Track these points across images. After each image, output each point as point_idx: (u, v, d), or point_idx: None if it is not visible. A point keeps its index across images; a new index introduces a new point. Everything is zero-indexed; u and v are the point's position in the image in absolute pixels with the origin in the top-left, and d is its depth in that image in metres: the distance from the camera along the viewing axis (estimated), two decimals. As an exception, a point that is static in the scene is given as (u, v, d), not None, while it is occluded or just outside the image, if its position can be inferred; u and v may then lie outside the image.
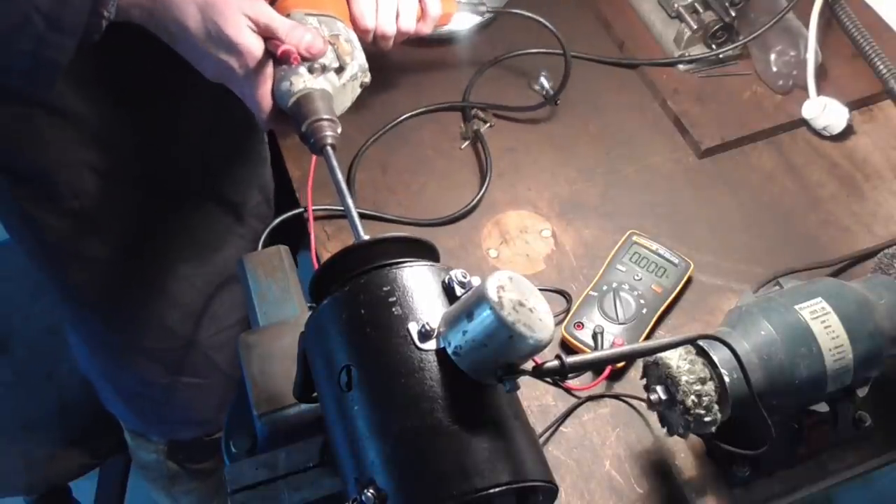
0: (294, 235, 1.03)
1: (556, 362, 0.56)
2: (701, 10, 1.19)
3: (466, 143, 1.14)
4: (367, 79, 0.86)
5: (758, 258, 1.02)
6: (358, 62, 0.83)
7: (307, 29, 0.77)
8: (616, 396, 0.91)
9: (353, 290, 0.59)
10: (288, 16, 0.82)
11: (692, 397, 0.72)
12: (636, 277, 0.96)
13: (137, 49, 0.76)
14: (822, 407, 0.79)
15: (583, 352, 0.91)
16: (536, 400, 0.91)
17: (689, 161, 1.13)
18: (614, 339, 0.92)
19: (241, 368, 0.75)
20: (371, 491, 0.52)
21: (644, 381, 0.79)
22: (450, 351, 0.55)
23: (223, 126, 0.98)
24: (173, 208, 0.99)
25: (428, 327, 0.56)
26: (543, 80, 1.18)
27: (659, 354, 0.74)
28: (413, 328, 0.56)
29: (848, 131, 1.13)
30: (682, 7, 1.19)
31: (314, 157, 1.03)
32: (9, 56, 0.68)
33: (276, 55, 0.76)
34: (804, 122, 1.14)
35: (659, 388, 0.76)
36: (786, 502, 0.85)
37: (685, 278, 0.97)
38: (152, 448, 1.27)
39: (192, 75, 0.76)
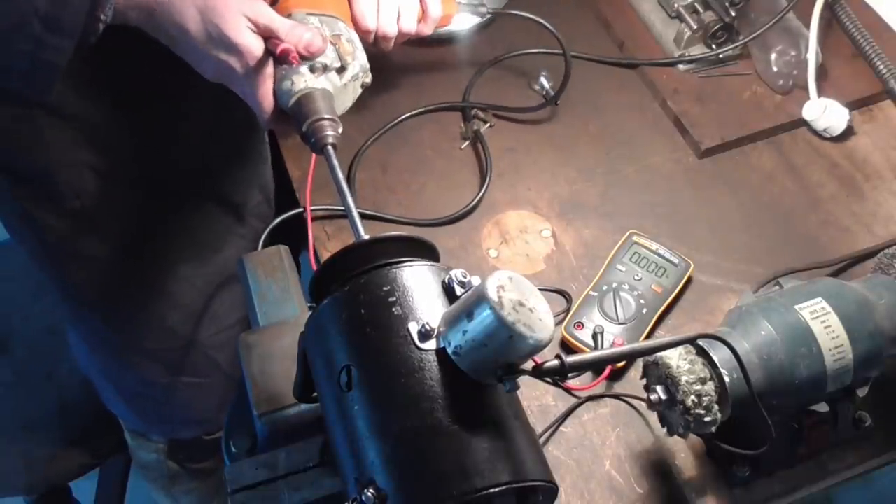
0: (294, 235, 1.03)
1: (556, 362, 0.56)
2: (701, 10, 1.19)
3: (466, 143, 1.14)
4: (369, 79, 0.86)
5: (758, 258, 1.02)
6: (359, 62, 0.84)
7: (307, 28, 0.77)
8: (616, 396, 0.91)
9: (353, 290, 0.59)
10: (289, 16, 0.82)
11: (692, 397, 0.72)
12: (636, 277, 0.96)
13: (137, 50, 0.76)
14: (822, 407, 0.79)
15: (583, 352, 0.91)
16: (536, 400, 0.91)
17: (689, 161, 1.13)
18: (614, 339, 0.92)
19: (241, 368, 0.75)
20: (371, 491, 0.52)
21: (644, 381, 0.79)
22: (450, 351, 0.55)
23: (223, 126, 0.98)
24: (174, 208, 0.99)
25: (428, 327, 0.56)
26: (543, 81, 1.18)
27: (659, 354, 0.74)
28: (413, 328, 0.56)
29: (848, 131, 1.13)
30: (682, 7, 1.19)
31: (314, 157, 1.03)
32: (9, 56, 0.68)
33: (275, 54, 0.76)
34: (804, 122, 1.14)
35: (659, 388, 0.76)
36: (786, 502, 0.85)
37: (685, 278, 0.97)
38: (152, 448, 1.27)
39: (192, 76, 0.76)
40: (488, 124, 1.15)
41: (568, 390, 0.91)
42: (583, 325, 0.93)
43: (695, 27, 1.18)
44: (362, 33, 0.91)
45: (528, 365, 0.56)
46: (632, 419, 0.89)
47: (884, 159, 1.12)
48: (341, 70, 0.81)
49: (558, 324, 0.93)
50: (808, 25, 1.15)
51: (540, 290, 0.56)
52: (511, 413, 0.57)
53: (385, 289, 0.58)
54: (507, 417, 0.56)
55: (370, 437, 0.54)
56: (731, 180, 1.10)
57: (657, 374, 0.76)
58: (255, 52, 0.74)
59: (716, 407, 0.72)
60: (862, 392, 0.80)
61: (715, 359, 0.74)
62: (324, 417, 0.60)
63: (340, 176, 0.74)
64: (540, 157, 1.13)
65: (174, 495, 1.36)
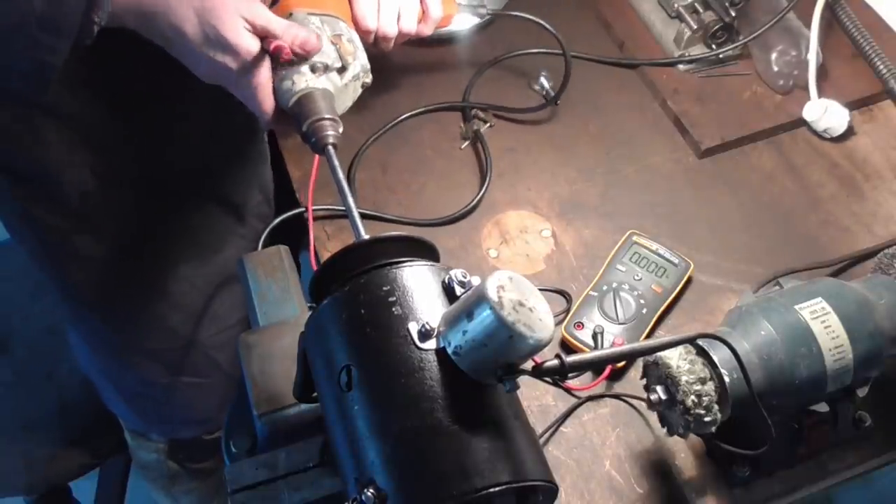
0: (294, 235, 1.03)
1: (555, 362, 0.56)
2: (701, 10, 1.19)
3: (466, 143, 1.14)
4: (369, 79, 0.86)
5: (758, 258, 1.02)
6: (360, 62, 0.84)
7: (303, 28, 0.77)
8: (616, 396, 0.91)
9: (353, 290, 0.59)
10: (290, 15, 0.82)
11: (692, 397, 0.72)
12: (636, 277, 0.96)
13: (136, 51, 0.76)
14: (822, 407, 0.79)
15: (583, 352, 0.91)
16: (536, 400, 0.91)
17: (689, 161, 1.13)
18: (614, 339, 0.92)
19: (241, 368, 0.75)
20: (371, 491, 0.52)
21: (644, 381, 0.79)
22: (450, 351, 0.55)
23: (223, 127, 0.98)
24: (174, 209, 0.99)
25: (428, 327, 0.56)
26: (543, 81, 1.18)
27: (659, 354, 0.74)
28: (413, 328, 0.56)
29: (848, 131, 1.13)
30: (682, 7, 1.19)
31: (316, 157, 1.03)
32: (9, 56, 0.68)
33: (269, 53, 0.76)
34: (804, 122, 1.14)
35: (659, 388, 0.76)
36: (786, 502, 0.85)
37: (685, 278, 0.97)
38: (153, 448, 1.27)
39: (190, 77, 0.76)
40: (488, 124, 1.15)
41: (568, 390, 0.91)
42: (583, 325, 0.93)
43: (695, 27, 1.18)
44: (363, 33, 0.91)
45: (528, 365, 0.56)
46: (632, 419, 0.89)
47: (884, 159, 1.12)
48: (342, 70, 0.81)
49: (558, 324, 0.93)
50: (808, 25, 1.15)
51: (540, 290, 0.56)
52: (511, 413, 0.57)
53: (385, 289, 0.58)
54: (507, 417, 0.56)
55: (370, 437, 0.54)
56: (731, 180, 1.10)
57: (657, 374, 0.76)
58: (252, 53, 0.75)
59: (716, 407, 0.72)
60: (862, 392, 0.80)
61: (715, 359, 0.74)
62: (324, 417, 0.60)
63: (341, 176, 0.74)
64: (540, 157, 1.13)
65: (174, 495, 1.36)
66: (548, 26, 1.07)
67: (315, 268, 0.70)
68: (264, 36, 0.76)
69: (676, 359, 0.74)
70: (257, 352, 0.75)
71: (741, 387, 0.73)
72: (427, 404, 0.54)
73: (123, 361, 1.11)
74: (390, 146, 1.14)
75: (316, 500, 0.65)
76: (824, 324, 0.76)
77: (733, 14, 1.16)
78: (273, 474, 0.65)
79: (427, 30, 1.01)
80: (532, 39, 1.17)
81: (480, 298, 0.53)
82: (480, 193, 1.07)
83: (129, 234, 0.98)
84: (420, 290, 0.59)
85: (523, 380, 0.55)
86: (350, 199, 0.72)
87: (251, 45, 0.74)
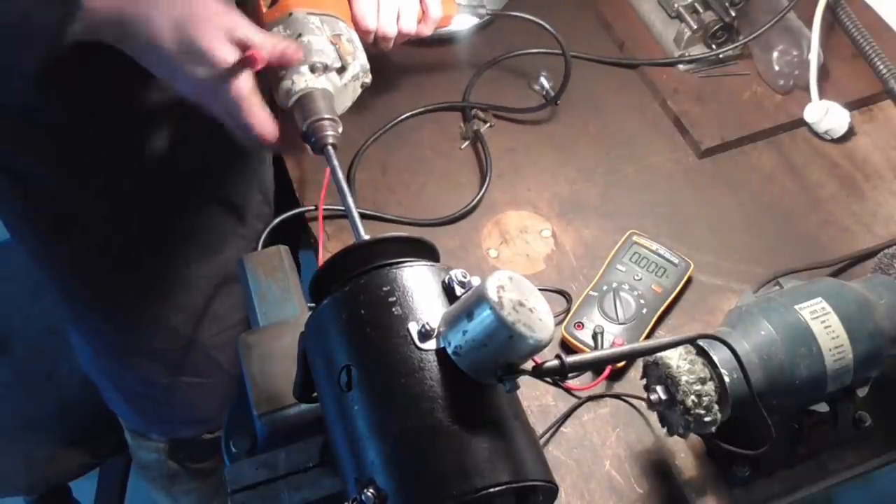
0: (294, 235, 1.04)
1: (556, 362, 0.56)
2: (701, 10, 1.19)
3: (466, 143, 1.14)
4: (368, 79, 0.86)
5: (758, 258, 1.02)
6: (359, 62, 0.84)
7: (284, 40, 0.76)
8: (616, 396, 0.91)
9: (353, 290, 0.59)
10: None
11: (692, 397, 0.72)
12: (636, 277, 0.96)
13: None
14: (822, 407, 0.79)
15: (583, 352, 0.91)
16: (536, 400, 0.91)
17: (689, 161, 1.13)
18: (614, 339, 0.92)
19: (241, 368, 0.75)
20: (371, 491, 0.52)
21: (644, 381, 0.79)
22: (450, 351, 0.55)
23: (224, 127, 0.98)
24: (175, 210, 0.99)
25: (428, 327, 0.56)
26: (543, 81, 1.18)
27: (659, 354, 0.74)
28: (413, 328, 0.56)
29: (848, 132, 1.13)
30: (682, 7, 1.19)
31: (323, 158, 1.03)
32: None
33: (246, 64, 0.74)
34: (804, 122, 1.14)
35: (659, 388, 0.76)
36: (786, 502, 0.85)
37: (685, 278, 0.97)
38: (153, 448, 1.27)
39: None
40: (488, 124, 1.15)
41: (568, 390, 0.91)
42: (583, 325, 0.93)
43: (695, 27, 1.18)
44: (362, 33, 0.91)
45: (528, 365, 0.56)
46: (632, 419, 0.89)
47: (884, 159, 1.12)
48: (341, 70, 0.81)
49: (558, 324, 0.93)
50: (808, 25, 1.15)
51: (540, 290, 0.56)
52: (511, 413, 0.57)
53: (385, 289, 0.58)
54: (507, 417, 0.56)
55: (370, 437, 0.54)
56: (731, 180, 1.10)
57: (657, 374, 0.76)
58: (229, 63, 0.72)
59: (716, 407, 0.72)
60: (862, 392, 0.80)
61: (715, 359, 0.74)
62: (324, 417, 0.60)
63: (340, 176, 0.74)
64: (540, 158, 1.13)
65: (174, 495, 1.36)
66: (547, 27, 1.07)
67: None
68: (244, 48, 0.74)
69: (676, 359, 0.74)
70: (257, 352, 0.75)
71: (741, 387, 0.73)
72: (427, 404, 0.54)
73: (124, 361, 1.11)
74: (390, 146, 1.14)
75: (316, 500, 0.64)
76: (824, 324, 0.76)
77: (733, 14, 1.16)
78: (273, 474, 0.65)
79: (427, 30, 1.01)
80: (532, 39, 1.17)
81: (480, 298, 0.53)
82: (480, 193, 1.07)
83: (131, 235, 0.98)
84: (420, 290, 0.59)
85: (523, 380, 0.55)
86: (350, 199, 0.72)
87: (228, 55, 0.72)
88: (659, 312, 0.95)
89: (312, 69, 0.78)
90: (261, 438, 0.72)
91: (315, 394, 0.63)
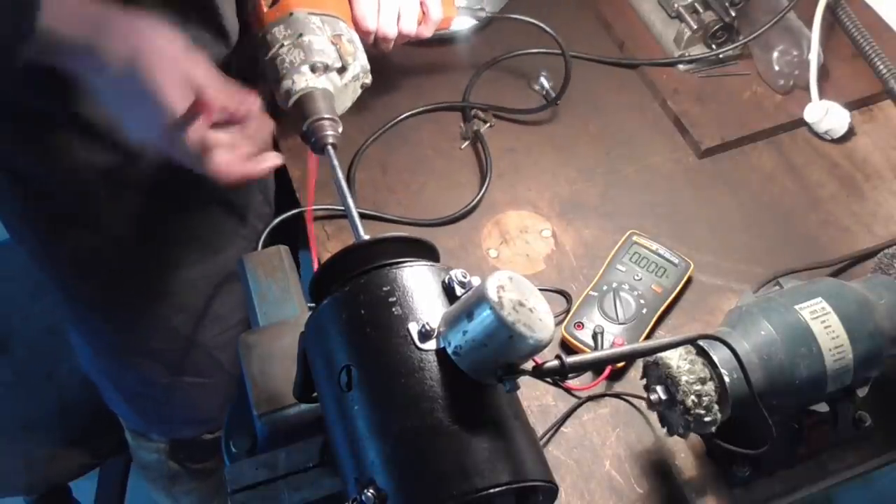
0: (294, 235, 1.03)
1: (556, 362, 0.56)
2: (701, 10, 1.19)
3: (466, 143, 1.14)
4: (368, 80, 0.86)
5: (758, 258, 1.02)
6: (360, 63, 0.84)
7: (238, 93, 0.74)
8: (617, 395, 0.91)
9: (353, 290, 0.59)
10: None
11: (692, 397, 0.72)
12: (636, 277, 0.96)
13: None
14: (822, 407, 0.79)
15: (583, 352, 0.91)
16: (536, 400, 0.91)
17: (689, 161, 1.13)
18: (614, 339, 0.92)
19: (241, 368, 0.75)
20: (371, 491, 0.52)
21: (644, 382, 0.79)
22: (450, 351, 0.55)
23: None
24: (176, 210, 0.99)
25: (428, 327, 0.56)
26: (543, 81, 1.18)
27: (659, 354, 0.74)
28: (413, 328, 0.56)
29: (848, 132, 1.13)
30: (682, 7, 1.19)
31: (312, 156, 1.03)
32: None
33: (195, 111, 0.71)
34: (804, 122, 1.14)
35: (659, 388, 0.76)
36: (786, 502, 0.85)
37: (685, 278, 0.97)
38: (153, 448, 1.27)
39: None
40: (488, 124, 1.15)
41: (568, 390, 0.91)
42: (583, 325, 0.93)
43: (695, 27, 1.18)
44: (363, 34, 0.91)
45: (528, 365, 0.56)
46: (632, 419, 0.89)
47: (884, 159, 1.12)
48: (342, 70, 0.81)
49: (558, 324, 0.93)
50: (808, 25, 1.15)
51: (540, 290, 0.56)
52: (511, 413, 0.57)
53: (385, 289, 0.58)
54: (507, 417, 0.56)
55: (370, 437, 0.54)
56: (731, 180, 1.10)
57: (657, 374, 0.76)
58: (180, 109, 0.70)
59: (716, 407, 0.72)
60: (862, 392, 0.80)
61: (715, 359, 0.74)
62: (324, 417, 0.60)
63: (340, 176, 0.74)
64: (540, 158, 1.13)
65: (174, 495, 1.36)
66: (547, 28, 1.07)
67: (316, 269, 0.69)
68: (199, 95, 0.71)
69: (676, 359, 0.74)
70: (257, 352, 0.75)
71: (741, 387, 0.73)
72: (427, 404, 0.54)
73: (124, 361, 1.11)
74: (390, 146, 1.14)
75: (316, 500, 0.65)
76: (824, 324, 0.76)
77: (733, 14, 1.16)
78: (273, 474, 0.65)
79: (427, 31, 1.01)
80: (532, 39, 1.17)
81: (480, 298, 0.53)
82: (480, 193, 1.07)
83: (131, 235, 0.98)
84: (420, 290, 0.59)
85: (523, 380, 0.55)
86: (350, 199, 0.72)
87: (180, 100, 0.70)
88: (659, 312, 0.95)
89: (313, 69, 0.78)
90: (261, 438, 0.72)
91: (315, 394, 0.63)
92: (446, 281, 0.60)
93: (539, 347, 0.53)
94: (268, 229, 1.00)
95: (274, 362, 0.73)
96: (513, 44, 1.21)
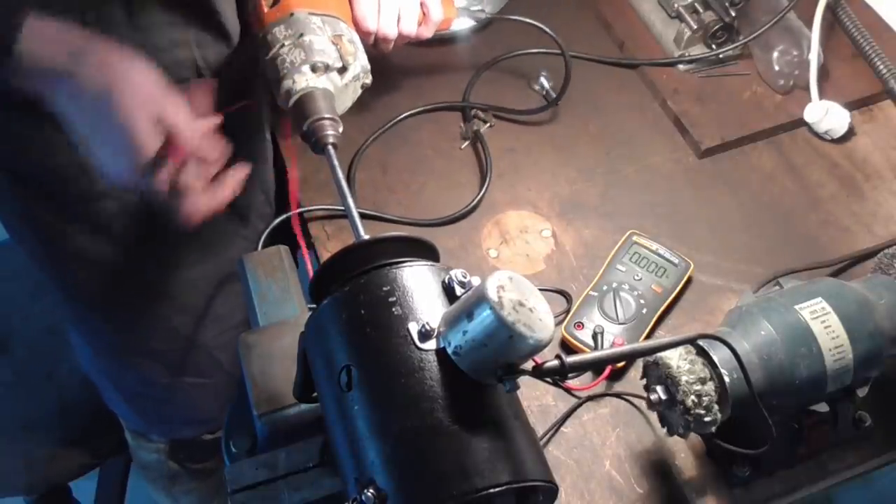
0: (294, 235, 1.03)
1: (556, 362, 0.56)
2: (701, 10, 1.19)
3: (466, 143, 1.14)
4: (369, 80, 0.86)
5: (758, 258, 1.02)
6: (360, 63, 0.84)
7: (210, 137, 0.73)
8: (617, 395, 0.91)
9: (353, 290, 0.59)
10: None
11: (692, 397, 0.72)
12: (636, 277, 0.96)
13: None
14: (822, 407, 0.79)
15: (583, 352, 0.91)
16: (536, 400, 0.91)
17: (689, 161, 1.13)
18: (614, 339, 0.92)
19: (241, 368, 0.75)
20: (371, 491, 0.52)
21: (644, 381, 0.79)
22: (450, 351, 0.55)
23: (227, 127, 0.98)
24: (177, 210, 0.99)
25: (428, 327, 0.56)
26: (543, 81, 1.18)
27: (659, 354, 0.74)
28: (413, 328, 0.56)
29: (848, 132, 1.13)
30: (682, 7, 1.19)
31: (294, 158, 1.03)
32: None
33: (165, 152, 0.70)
34: (804, 122, 1.14)
35: (659, 388, 0.76)
36: (786, 502, 0.85)
37: (685, 278, 0.97)
38: (153, 448, 1.27)
39: (192, 79, 0.76)
40: (488, 124, 1.15)
41: (568, 390, 0.91)
42: (583, 325, 0.93)
43: (695, 27, 1.18)
44: (363, 35, 0.91)
45: (528, 365, 0.56)
46: (632, 419, 0.89)
47: (884, 159, 1.12)
48: (342, 70, 0.81)
49: (558, 324, 0.93)
50: (808, 25, 1.15)
51: (540, 290, 0.56)
52: (511, 413, 0.57)
53: (385, 289, 0.58)
54: (507, 417, 0.56)
55: (370, 437, 0.54)
56: (731, 180, 1.10)
57: (657, 374, 0.76)
58: (149, 151, 0.69)
59: (716, 407, 0.72)
60: (862, 392, 0.80)
61: (715, 359, 0.74)
62: (324, 417, 0.60)
63: (341, 176, 0.74)
64: (540, 158, 1.13)
65: (174, 495, 1.36)
66: (546, 29, 1.07)
67: (311, 273, 0.69)
68: (169, 135, 0.70)
69: (676, 359, 0.74)
70: (257, 352, 0.75)
71: (741, 387, 0.73)
72: (427, 404, 0.54)
73: (124, 361, 1.11)
74: (390, 146, 1.14)
75: (316, 500, 0.64)
76: (824, 324, 0.76)
77: (733, 14, 1.16)
78: (273, 474, 0.65)
79: (427, 32, 1.01)
80: (532, 39, 1.17)
81: (480, 298, 0.53)
82: (480, 193, 1.07)
83: (131, 235, 0.98)
84: (420, 290, 0.59)
85: (523, 380, 0.55)
86: (349, 200, 0.72)
87: (150, 138, 0.68)
88: (659, 312, 0.95)
89: (314, 69, 0.78)
90: (261, 438, 0.72)
91: (315, 394, 0.63)
92: (446, 281, 0.60)
93: (539, 347, 0.53)
94: (268, 229, 1.00)
95: (274, 362, 0.73)
96: (513, 44, 1.21)
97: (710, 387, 0.72)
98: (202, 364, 1.10)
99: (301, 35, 0.81)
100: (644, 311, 0.94)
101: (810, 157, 1.12)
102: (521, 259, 1.03)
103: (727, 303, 0.97)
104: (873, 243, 1.01)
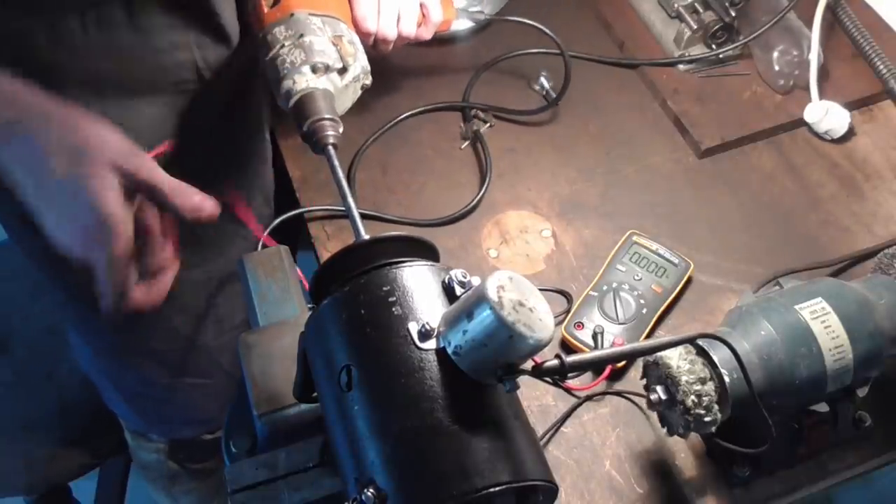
0: (294, 235, 1.03)
1: (555, 362, 0.56)
2: (701, 10, 1.19)
3: (466, 143, 1.14)
4: (369, 80, 0.86)
5: (758, 258, 1.02)
6: (360, 63, 0.84)
7: (196, 191, 0.69)
8: (617, 393, 0.91)
9: (353, 290, 0.59)
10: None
11: (692, 397, 0.72)
12: (636, 277, 0.96)
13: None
14: (822, 407, 0.79)
15: (583, 352, 0.91)
16: (536, 400, 0.91)
17: (689, 161, 1.13)
18: (614, 339, 0.92)
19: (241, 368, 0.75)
20: (371, 491, 0.52)
21: (644, 381, 0.79)
22: (450, 351, 0.55)
23: (227, 127, 0.98)
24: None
25: (428, 327, 0.56)
26: (543, 81, 1.18)
27: (659, 354, 0.74)
28: (413, 328, 0.56)
29: (848, 132, 1.13)
30: (682, 7, 1.19)
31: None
32: None
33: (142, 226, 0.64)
34: (804, 123, 1.14)
35: (659, 388, 0.76)
36: (786, 502, 0.85)
37: (685, 278, 0.97)
38: (153, 448, 1.27)
39: (192, 80, 0.76)
40: (488, 124, 1.15)
41: (568, 390, 0.91)
42: (583, 325, 0.93)
43: (695, 27, 1.18)
44: (363, 35, 0.91)
45: (528, 365, 0.56)
46: (632, 419, 0.89)
47: (884, 159, 1.12)
48: (342, 71, 0.81)
49: (558, 324, 0.93)
50: (808, 25, 1.15)
51: (540, 290, 0.56)
52: (511, 413, 0.57)
53: (385, 289, 0.58)
54: (507, 417, 0.56)
55: (370, 437, 0.54)
56: (731, 180, 1.10)
57: (657, 374, 0.76)
58: (114, 220, 0.62)
59: (716, 407, 0.72)
60: (862, 392, 0.80)
61: (715, 359, 0.74)
62: (324, 417, 0.60)
63: (341, 176, 0.74)
64: (540, 158, 1.13)
65: (174, 495, 1.36)
66: (546, 30, 1.07)
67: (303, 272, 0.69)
68: (148, 194, 0.65)
69: (676, 359, 0.74)
70: (257, 352, 0.75)
71: (741, 387, 0.73)
72: (427, 404, 0.54)
73: (124, 362, 1.11)
74: (390, 146, 1.14)
75: (316, 500, 0.64)
76: (824, 324, 0.76)
77: (733, 14, 1.16)
78: (273, 474, 0.65)
79: (426, 33, 1.01)
80: (532, 40, 1.17)
81: (480, 298, 0.53)
82: (480, 193, 1.07)
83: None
84: (420, 290, 0.59)
85: (523, 380, 0.55)
86: (350, 199, 0.72)
87: (113, 206, 0.61)
88: (659, 312, 0.95)
89: (314, 69, 0.78)
90: (261, 438, 0.72)
91: (315, 394, 0.63)
92: (446, 281, 0.60)
93: (539, 347, 0.53)
94: (268, 229, 1.00)
95: (274, 362, 0.73)
96: (513, 44, 1.21)
97: (710, 387, 0.72)
98: (202, 364, 1.10)
99: (301, 35, 0.81)
100: (644, 311, 0.94)
101: (810, 157, 1.13)
102: (521, 259, 1.03)
103: (727, 303, 0.98)
104: (873, 243, 1.01)
